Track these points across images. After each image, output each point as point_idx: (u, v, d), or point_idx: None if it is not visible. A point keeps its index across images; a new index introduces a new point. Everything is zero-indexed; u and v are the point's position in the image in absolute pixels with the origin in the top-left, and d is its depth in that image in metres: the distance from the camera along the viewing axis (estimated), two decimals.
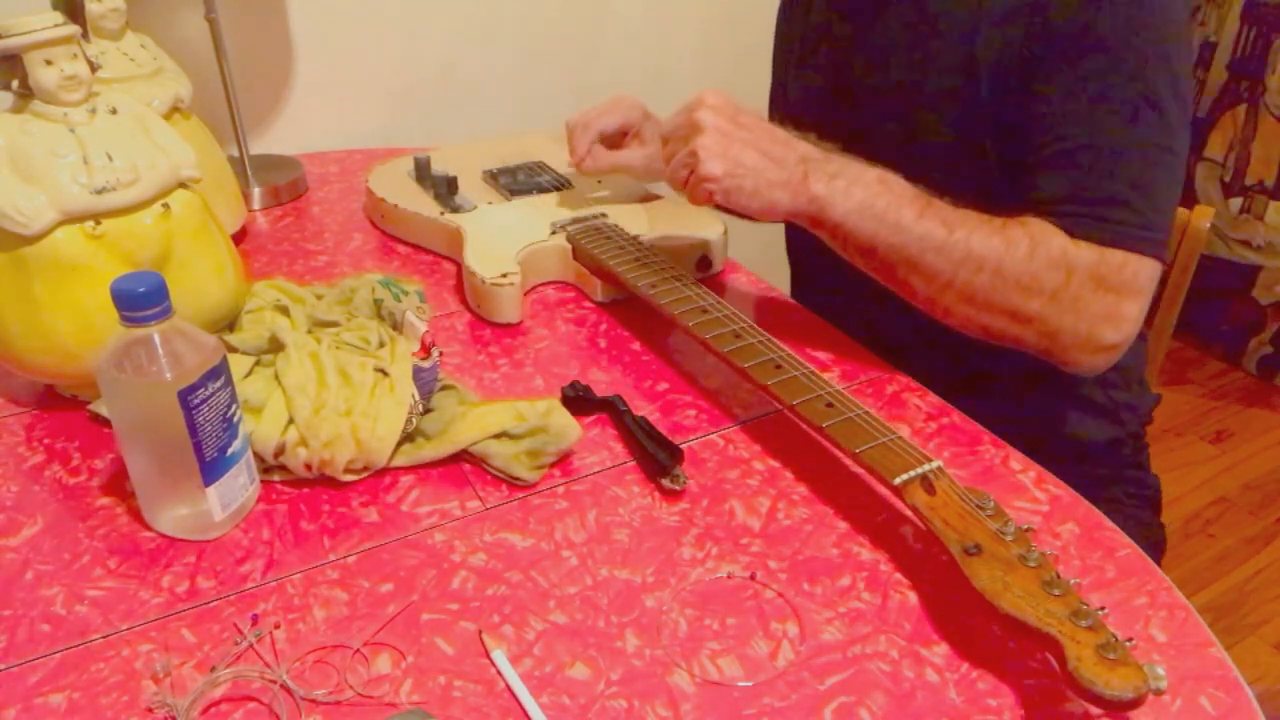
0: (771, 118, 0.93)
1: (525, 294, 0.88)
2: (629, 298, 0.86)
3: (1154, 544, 0.90)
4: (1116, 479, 0.89)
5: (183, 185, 0.71)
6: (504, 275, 0.83)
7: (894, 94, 0.81)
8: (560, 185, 1.02)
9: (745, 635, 0.53)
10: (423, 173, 1.03)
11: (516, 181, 1.02)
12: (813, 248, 0.78)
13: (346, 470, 0.63)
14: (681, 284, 0.79)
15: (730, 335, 0.72)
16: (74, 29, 0.64)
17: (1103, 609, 0.48)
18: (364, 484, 0.65)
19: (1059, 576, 0.50)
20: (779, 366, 0.68)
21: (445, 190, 0.98)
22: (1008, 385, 0.82)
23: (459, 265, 0.92)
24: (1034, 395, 0.85)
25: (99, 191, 0.65)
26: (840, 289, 0.82)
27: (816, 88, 0.91)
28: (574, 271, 0.90)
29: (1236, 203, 2.13)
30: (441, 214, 0.96)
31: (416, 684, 0.50)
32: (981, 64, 0.75)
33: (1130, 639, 0.46)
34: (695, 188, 0.73)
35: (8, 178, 0.63)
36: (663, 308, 0.76)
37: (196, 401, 0.56)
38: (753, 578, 0.57)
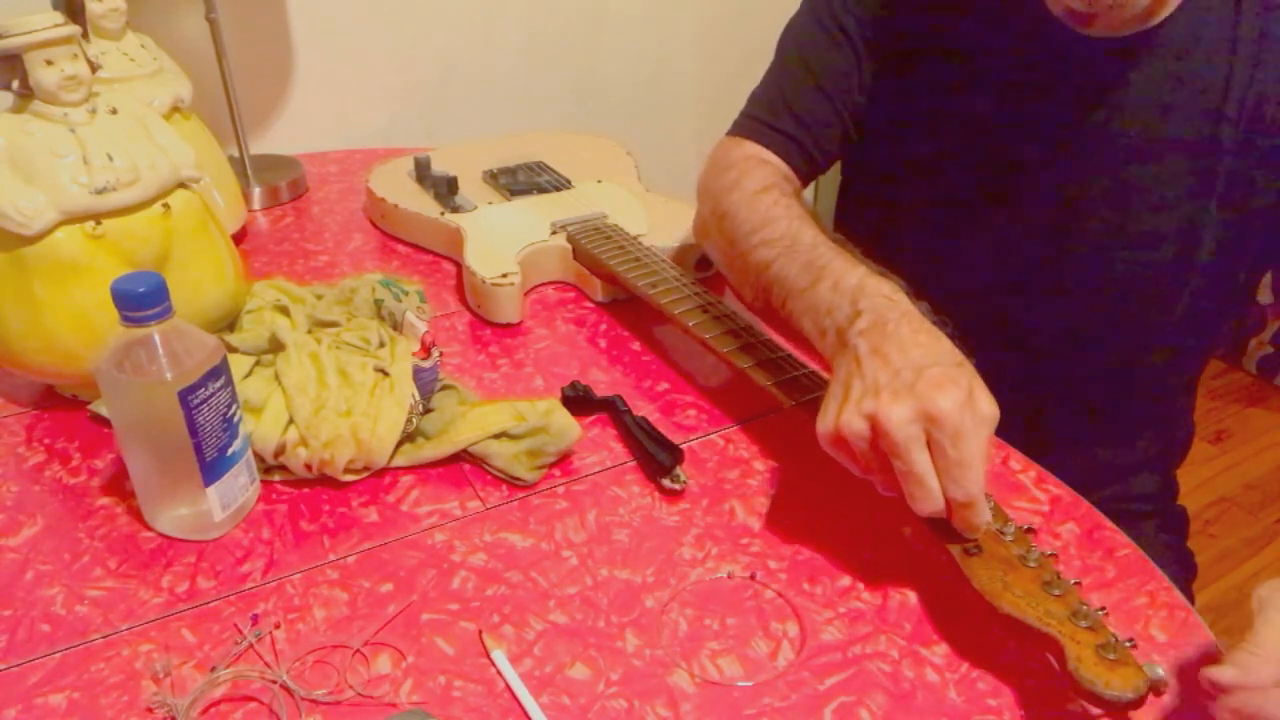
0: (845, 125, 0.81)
1: (525, 294, 0.88)
2: (629, 298, 0.86)
3: (1186, 569, 0.90)
4: (1153, 513, 0.90)
5: (182, 185, 0.71)
6: (504, 275, 0.83)
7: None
8: (560, 185, 1.02)
9: (745, 635, 0.53)
10: (423, 173, 1.03)
11: (516, 181, 1.02)
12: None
13: (346, 470, 0.63)
14: (681, 284, 0.79)
15: (730, 335, 0.72)
16: (74, 29, 0.64)
17: (1103, 609, 0.48)
18: (364, 484, 0.65)
19: (1059, 576, 0.50)
20: (779, 366, 0.68)
21: (445, 190, 0.98)
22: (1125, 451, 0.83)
23: (459, 265, 0.92)
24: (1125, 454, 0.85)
25: (99, 191, 0.65)
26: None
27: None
28: (574, 271, 0.90)
29: None
30: (441, 214, 0.96)
31: (416, 684, 0.50)
32: None
33: (1130, 639, 0.46)
34: None
35: (8, 178, 0.63)
36: (663, 308, 0.76)
37: (196, 401, 0.56)
38: (753, 578, 0.57)
